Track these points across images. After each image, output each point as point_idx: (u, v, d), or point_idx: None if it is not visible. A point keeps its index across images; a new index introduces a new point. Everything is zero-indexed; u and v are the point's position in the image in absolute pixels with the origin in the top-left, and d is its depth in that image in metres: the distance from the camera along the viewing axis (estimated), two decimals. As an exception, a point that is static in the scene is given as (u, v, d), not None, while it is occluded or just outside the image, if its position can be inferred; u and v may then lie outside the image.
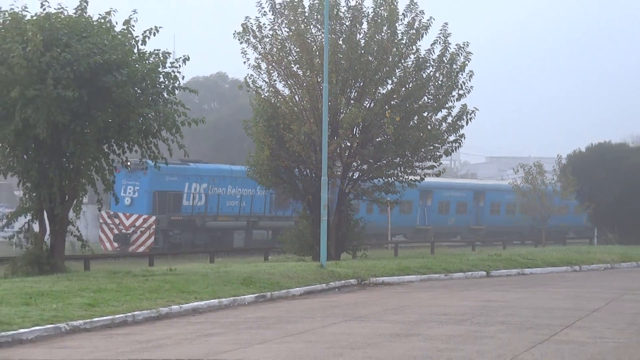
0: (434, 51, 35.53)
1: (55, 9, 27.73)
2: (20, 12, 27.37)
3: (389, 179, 36.54)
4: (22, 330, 14.88)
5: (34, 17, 27.18)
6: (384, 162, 35.80)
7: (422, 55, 35.37)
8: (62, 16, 27.44)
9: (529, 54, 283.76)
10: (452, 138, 36.66)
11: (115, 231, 42.29)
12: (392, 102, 34.80)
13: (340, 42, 34.29)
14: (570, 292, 25.16)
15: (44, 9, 27.54)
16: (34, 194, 27.94)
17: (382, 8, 34.65)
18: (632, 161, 61.71)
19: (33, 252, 27.40)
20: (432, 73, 35.45)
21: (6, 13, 27.22)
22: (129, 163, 36.82)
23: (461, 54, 35.77)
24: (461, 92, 35.87)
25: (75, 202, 28.31)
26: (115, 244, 42.24)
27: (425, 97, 35.37)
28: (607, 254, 43.74)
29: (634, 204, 59.53)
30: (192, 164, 48.39)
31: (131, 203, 42.28)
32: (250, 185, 48.33)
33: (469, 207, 68.70)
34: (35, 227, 28.87)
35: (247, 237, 48.43)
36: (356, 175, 36.14)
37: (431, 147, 36.28)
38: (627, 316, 18.63)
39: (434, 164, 38.14)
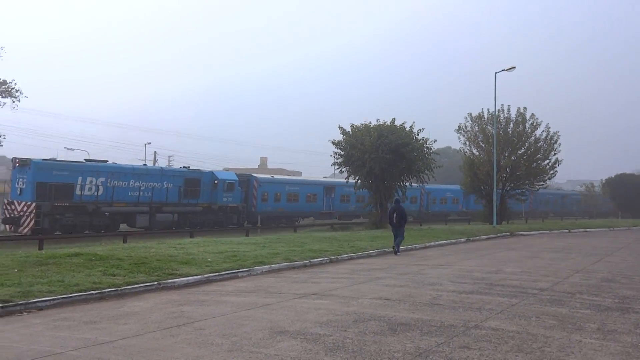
0: (542, 134, 34.29)
1: (382, 121, 28.76)
2: (368, 123, 28.63)
3: (523, 189, 35.33)
4: (370, 251, 15.42)
5: (373, 125, 28.31)
6: (520, 182, 34.61)
7: (537, 136, 34.18)
8: (385, 124, 28.41)
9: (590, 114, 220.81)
10: (551, 172, 35.00)
11: (9, 215, 25.73)
12: (524, 157, 33.77)
13: (500, 132, 33.49)
14: (609, 239, 23.92)
15: (377, 121, 28.71)
16: (374, 196, 28.80)
17: (519, 117, 33.95)
18: (635, 182, 64.03)
19: (374, 219, 28.56)
20: (541, 144, 34.15)
21: (361, 125, 28.31)
22: (17, 160, 26.36)
23: (555, 135, 34.27)
24: (555, 152, 34.44)
25: (387, 200, 28.42)
26: (8, 226, 26.10)
27: (539, 154, 34.11)
28: (626, 222, 41.99)
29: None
30: (89, 162, 28.72)
31: (21, 192, 25.75)
32: (154, 180, 29.78)
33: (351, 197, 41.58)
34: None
35: (151, 219, 29.04)
36: (508, 187, 34.96)
37: (542, 176, 34.89)
38: (637, 251, 17.97)
39: (542, 183, 36.33)
